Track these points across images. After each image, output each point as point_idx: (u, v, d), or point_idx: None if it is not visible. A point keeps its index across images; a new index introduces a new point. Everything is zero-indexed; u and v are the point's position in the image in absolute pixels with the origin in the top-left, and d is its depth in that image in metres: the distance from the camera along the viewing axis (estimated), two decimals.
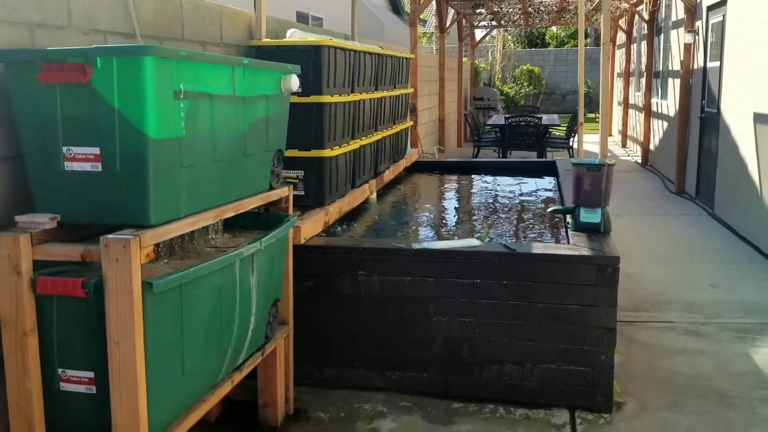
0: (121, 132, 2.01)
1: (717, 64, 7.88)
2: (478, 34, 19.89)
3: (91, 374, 2.09)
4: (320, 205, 3.99)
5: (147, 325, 2.01)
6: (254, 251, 2.54)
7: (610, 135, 18.81)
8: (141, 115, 2.00)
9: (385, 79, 5.39)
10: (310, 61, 3.85)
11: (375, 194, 5.34)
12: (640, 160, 12.91)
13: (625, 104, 15.98)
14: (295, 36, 4.18)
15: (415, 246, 3.40)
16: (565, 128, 13.24)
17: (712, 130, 8.08)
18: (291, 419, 3.28)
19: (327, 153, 3.96)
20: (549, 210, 3.98)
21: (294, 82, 3.00)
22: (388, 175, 5.67)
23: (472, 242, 3.44)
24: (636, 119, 14.56)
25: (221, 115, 2.40)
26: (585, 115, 23.77)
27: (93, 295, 1.99)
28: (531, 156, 12.70)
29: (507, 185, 6.26)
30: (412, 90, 6.74)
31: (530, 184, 6.31)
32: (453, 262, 3.36)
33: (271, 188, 2.95)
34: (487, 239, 3.71)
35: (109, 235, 1.96)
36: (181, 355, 2.20)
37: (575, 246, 3.37)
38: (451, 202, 5.60)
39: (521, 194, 5.76)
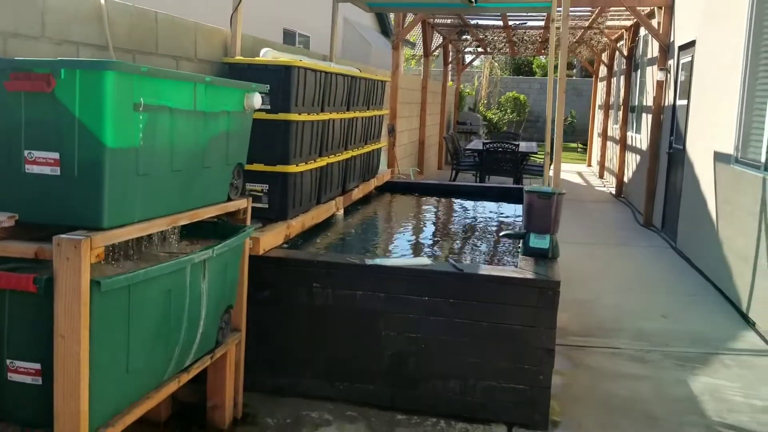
0: (80, 139, 2.15)
1: (685, 102, 8.16)
2: (467, 58, 20.23)
3: (37, 366, 2.21)
4: (283, 219, 4.13)
5: (93, 322, 2.14)
6: (206, 258, 2.68)
7: (589, 165, 19.17)
8: (99, 125, 2.14)
9: (358, 100, 5.57)
10: (279, 79, 4.01)
11: (342, 211, 5.49)
12: (614, 192, 13.19)
13: (604, 136, 16.32)
14: (268, 55, 4.34)
15: (368, 262, 3.55)
16: (542, 156, 13.50)
17: (678, 166, 8.34)
18: (239, 423, 3.40)
19: (292, 168, 4.11)
20: (502, 234, 4.15)
21: (257, 100, 3.15)
22: (357, 193, 5.83)
23: (423, 261, 3.59)
24: (613, 151, 14.88)
25: (181, 128, 2.55)
26: (565, 144, 24.11)
27: (43, 290, 2.12)
28: (508, 182, 12.96)
29: (473, 209, 6.44)
30: (387, 111, 6.93)
31: (495, 208, 6.49)
32: (403, 279, 3.51)
33: (230, 200, 3.09)
34: (438, 259, 3.86)
35: (62, 235, 2.09)
36: (126, 353, 2.32)
37: (521, 269, 3.54)
38: (415, 223, 5.76)
39: (484, 218, 5.94)
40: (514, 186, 8.00)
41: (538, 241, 3.84)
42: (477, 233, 5.20)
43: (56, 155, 2.17)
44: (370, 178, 6.35)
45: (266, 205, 4.13)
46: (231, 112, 2.97)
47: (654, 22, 10.01)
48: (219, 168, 2.93)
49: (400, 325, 3.53)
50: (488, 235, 5.11)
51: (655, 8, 9.82)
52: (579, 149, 25.03)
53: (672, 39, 9.34)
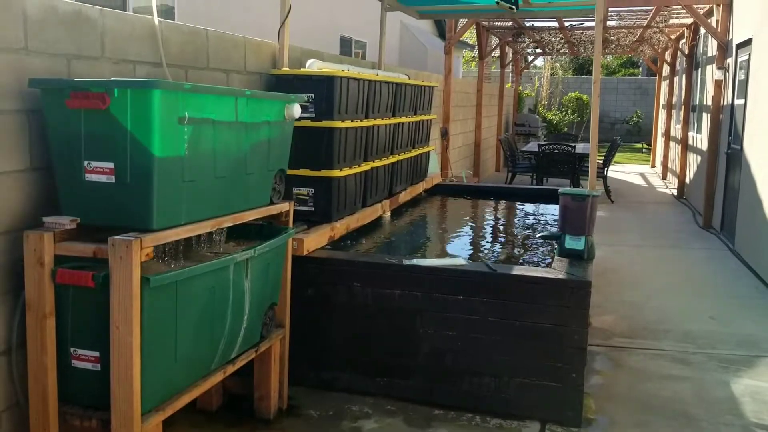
0: (132, 150, 2.40)
1: (742, 101, 7.97)
2: (528, 59, 20.12)
3: (96, 353, 2.47)
4: (327, 221, 4.33)
5: (144, 315, 2.38)
6: (248, 257, 2.90)
7: (653, 166, 18.73)
8: (149, 137, 2.38)
9: (404, 106, 5.73)
10: (323, 89, 4.22)
11: (389, 213, 5.67)
12: (676, 193, 12.91)
13: (667, 136, 15.97)
14: (314, 66, 4.56)
15: (406, 262, 3.71)
16: (602, 157, 13.33)
17: (736, 167, 8.15)
18: (284, 414, 3.61)
19: (335, 173, 4.31)
20: (538, 236, 4.23)
21: (296, 110, 3.36)
22: (405, 196, 5.99)
23: (459, 261, 3.73)
24: (675, 152, 14.54)
25: (223, 138, 2.77)
26: (630, 145, 23.60)
27: (101, 286, 2.37)
28: (565, 183, 12.86)
29: (521, 211, 6.51)
30: (435, 116, 7.07)
31: (541, 210, 6.54)
32: (439, 278, 3.65)
33: (272, 203, 3.31)
34: (475, 259, 3.98)
35: (116, 236, 2.34)
36: (174, 343, 2.55)
37: (553, 269, 3.63)
38: (460, 225, 5.88)
39: (528, 220, 6.00)
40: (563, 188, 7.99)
41: (573, 243, 3.92)
42: (519, 235, 5.28)
43: (111, 165, 2.43)
44: (418, 182, 6.51)
45: (312, 208, 4.35)
46: (272, 122, 3.18)
47: (712, 20, 9.79)
48: (261, 174, 3.15)
49: (437, 323, 3.67)
50: (529, 237, 5.19)
51: (714, 6, 9.61)
52: (644, 150, 24.44)
53: (730, 37, 9.13)
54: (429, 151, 6.84)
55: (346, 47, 13.38)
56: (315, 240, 3.99)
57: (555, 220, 6.03)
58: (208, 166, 2.70)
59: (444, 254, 4.57)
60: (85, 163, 2.46)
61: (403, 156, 5.77)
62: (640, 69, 32.88)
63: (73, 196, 2.52)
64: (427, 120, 6.62)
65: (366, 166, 4.84)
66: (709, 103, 10.08)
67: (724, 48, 9.25)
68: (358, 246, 4.66)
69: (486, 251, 4.71)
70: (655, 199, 12.46)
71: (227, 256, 2.74)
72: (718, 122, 9.36)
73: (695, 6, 9.64)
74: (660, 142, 18.02)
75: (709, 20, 9.87)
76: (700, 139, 11.18)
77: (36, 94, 2.57)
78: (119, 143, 2.40)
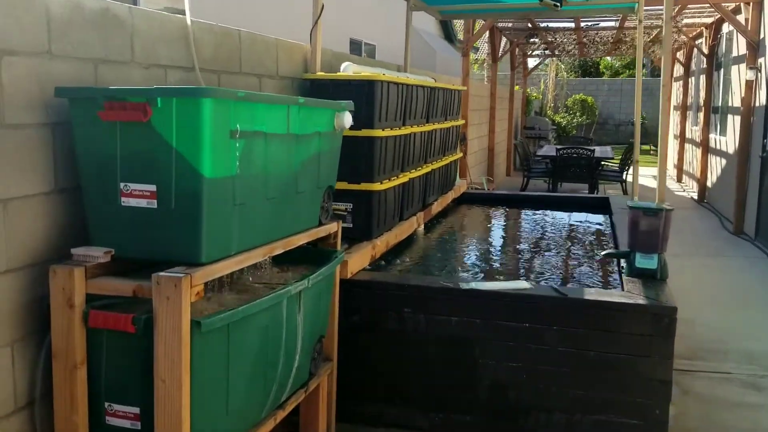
0: (177, 170, 2.03)
1: None
2: (531, 62, 19.77)
3: (137, 410, 2.10)
4: (368, 239, 3.97)
5: (194, 364, 2.01)
6: (302, 289, 2.53)
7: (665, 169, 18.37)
8: (198, 154, 2.01)
9: (437, 112, 5.38)
10: (363, 95, 3.86)
11: (422, 226, 5.31)
12: (696, 197, 12.57)
13: (682, 138, 15.63)
14: (349, 69, 4.20)
15: (463, 286, 3.35)
16: (618, 161, 13.00)
17: None
18: None
19: (376, 186, 3.95)
20: (603, 254, 3.88)
21: (347, 119, 3.00)
22: (436, 207, 5.64)
23: (522, 284, 3.36)
24: (692, 154, 14.21)
25: (275, 154, 2.41)
26: (640, 147, 23.26)
27: (142, 331, 2.01)
28: (582, 188, 12.54)
29: (557, 222, 6.15)
30: (463, 122, 6.72)
31: (582, 221, 6.19)
32: (501, 304, 3.29)
33: (320, 224, 2.94)
34: (537, 282, 3.62)
35: (161, 273, 1.98)
36: (225, 394, 2.19)
37: (630, 293, 3.27)
38: (498, 238, 5.52)
39: (572, 232, 5.65)
40: (598, 196, 7.65)
41: (645, 261, 3.56)
42: (568, 249, 4.92)
43: (153, 187, 2.06)
44: (447, 191, 6.15)
45: (350, 224, 3.99)
46: (322, 133, 2.83)
47: (740, 18, 9.45)
48: (311, 192, 2.79)
49: (499, 354, 3.31)
50: (581, 252, 4.83)
51: (742, 4, 9.27)
52: (652, 152, 24.10)
53: (762, 35, 8.79)
54: (457, 159, 6.48)
55: (356, 50, 13.04)
56: (358, 261, 3.63)
57: (597, 229, 5.67)
58: (259, 185, 2.34)
59: (492, 273, 4.21)
60: (122, 185, 2.09)
61: (435, 165, 5.41)
62: (646, 70, 32.60)
63: (106, 223, 2.15)
64: (457, 126, 6.27)
65: (404, 178, 4.48)
66: (737, 104, 9.74)
67: (755, 47, 8.90)
68: (398, 264, 4.30)
69: (538, 270, 4.35)
70: (676, 204, 12.06)
71: (281, 289, 2.38)
72: (749, 124, 9.01)
73: (723, 4, 9.30)
74: (672, 144, 17.72)
75: (736, 17, 9.52)
76: (725, 141, 10.83)
77: (63, 105, 2.21)
78: (163, 162, 2.03)
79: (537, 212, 6.56)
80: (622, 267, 3.71)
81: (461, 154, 6.74)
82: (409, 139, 4.60)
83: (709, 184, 12.04)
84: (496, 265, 4.53)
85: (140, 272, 2.17)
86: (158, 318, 1.96)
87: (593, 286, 3.90)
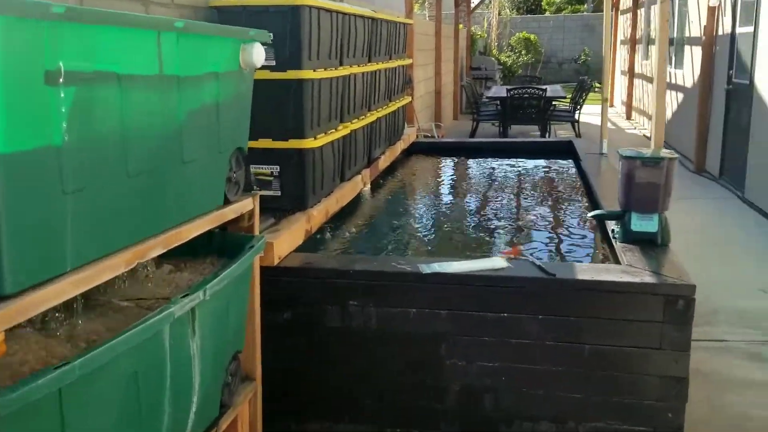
0: None
1: (750, 28, 7.03)
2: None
3: None
4: (302, 209, 3.19)
5: None
6: (196, 304, 1.74)
7: (612, 106, 17.93)
8: None
9: (380, 49, 4.55)
10: (287, 25, 3.01)
11: (369, 186, 4.54)
12: (648, 134, 12.13)
13: (631, 74, 15.14)
14: None
15: (423, 269, 2.60)
16: (568, 100, 12.39)
17: (742, 104, 7.27)
18: None
19: (309, 143, 3.15)
20: (590, 215, 3.21)
21: (258, 54, 2.17)
22: (384, 161, 4.87)
23: (497, 263, 2.64)
24: (643, 90, 13.73)
25: (138, 106, 1.58)
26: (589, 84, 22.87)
27: None
28: (532, 130, 11.94)
29: (521, 172, 5.46)
30: (410, 61, 5.89)
31: (547, 170, 5.51)
32: (472, 289, 2.57)
33: (227, 202, 2.13)
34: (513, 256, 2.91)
35: None
36: None
37: (633, 268, 2.58)
38: (457, 196, 4.79)
39: (540, 184, 4.96)
40: (560, 140, 7.00)
41: (642, 224, 2.88)
42: (539, 206, 4.23)
43: None
44: (396, 142, 5.37)
45: (278, 192, 3.19)
46: (221, 75, 1.99)
47: None
48: (207, 159, 1.97)
49: (471, 352, 2.61)
50: (557, 210, 4.14)
51: None
52: (596, 89, 23.69)
53: None
54: (405, 105, 5.68)
55: None
56: (288, 240, 2.84)
57: (567, 180, 5.00)
58: (111, 157, 1.51)
59: (456, 243, 3.49)
60: None
61: (381, 112, 4.61)
62: (585, 6, 31.95)
63: None
64: (403, 66, 5.45)
65: (344, 130, 3.67)
66: (696, 34, 9.17)
67: None
68: (341, 238, 3.53)
69: (509, 235, 3.65)
70: (629, 143, 11.62)
71: (158, 313, 1.58)
72: (711, 55, 8.45)
73: None
74: (620, 80, 17.24)
75: None
76: (682, 74, 10.31)
77: None
78: None
79: (496, 161, 5.86)
80: (614, 231, 3.03)
81: (409, 99, 5.94)
82: (349, 82, 3.78)
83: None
84: (459, 232, 3.81)
85: None
86: None
87: (581, 259, 3.23)
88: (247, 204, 2.25)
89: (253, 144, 3.07)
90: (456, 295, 2.58)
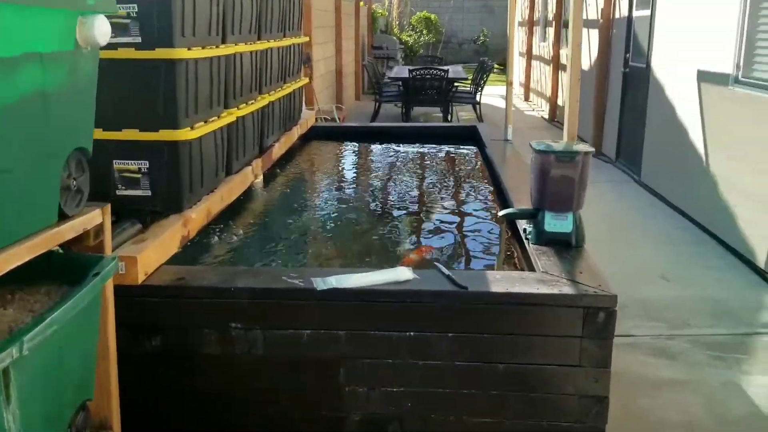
0: None
1: (647, 12, 7.06)
2: None
3: None
4: (177, 211, 2.75)
5: None
6: (9, 364, 1.31)
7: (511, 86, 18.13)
8: None
9: (272, 25, 4.11)
10: None
11: (261, 177, 4.12)
12: (546, 116, 12.26)
13: (528, 55, 15.30)
14: None
15: (318, 284, 2.25)
16: (470, 82, 12.30)
17: (638, 87, 7.33)
18: None
19: (184, 134, 2.71)
20: (501, 214, 2.95)
21: (102, 28, 1.72)
22: (279, 149, 4.45)
23: (401, 274, 2.33)
24: (541, 71, 13.88)
25: None
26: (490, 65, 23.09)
27: None
28: (436, 111, 11.79)
29: (425, 161, 5.19)
30: (306, 39, 5.47)
31: (452, 156, 5.28)
32: (374, 306, 2.25)
33: (64, 218, 1.69)
34: (414, 262, 2.62)
35: None
36: None
37: (549, 276, 2.34)
38: (359, 187, 4.46)
39: (446, 174, 4.71)
40: (464, 125, 6.80)
41: (556, 223, 2.66)
42: (445, 199, 3.96)
43: None
44: (291, 127, 4.96)
45: (148, 192, 2.73)
46: (48, 56, 1.54)
47: None
48: (29, 166, 1.53)
49: (374, 376, 2.29)
50: (464, 204, 3.89)
51: None
52: (496, 70, 23.96)
53: None
54: (302, 86, 5.27)
55: None
56: (158, 251, 2.41)
57: (474, 170, 4.78)
58: None
59: (357, 248, 3.15)
60: None
61: (275, 95, 4.19)
62: None
63: None
64: (299, 44, 5.02)
65: (228, 117, 3.24)
66: (593, 16, 9.22)
67: None
68: (227, 243, 3.12)
69: (417, 237, 3.35)
70: (526, 124, 11.69)
71: None
72: (608, 38, 8.51)
73: None
74: (518, 61, 17.43)
75: None
76: (567, 57, 10.38)
77: None
78: None
79: (399, 147, 5.56)
80: (525, 230, 2.79)
81: (307, 80, 5.53)
82: (234, 62, 3.34)
83: (560, 102, 11.71)
84: (360, 233, 3.47)
85: None
86: None
87: (492, 262, 2.97)
88: (94, 218, 1.81)
89: (117, 136, 2.63)
90: (356, 313, 2.25)
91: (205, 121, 2.94)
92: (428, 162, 5.16)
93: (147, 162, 2.71)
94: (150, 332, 2.27)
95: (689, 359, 3.46)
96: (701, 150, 5.53)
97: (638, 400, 3.09)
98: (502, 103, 14.37)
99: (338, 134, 5.85)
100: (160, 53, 2.59)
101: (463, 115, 12.57)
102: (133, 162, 2.71)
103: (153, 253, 2.38)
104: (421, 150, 5.45)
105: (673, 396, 3.12)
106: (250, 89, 3.70)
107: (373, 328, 2.25)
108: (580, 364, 2.23)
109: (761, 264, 4.46)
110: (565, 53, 11.38)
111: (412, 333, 2.24)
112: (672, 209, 6.04)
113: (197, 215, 2.83)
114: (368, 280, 2.28)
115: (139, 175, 2.72)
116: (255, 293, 2.25)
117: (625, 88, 7.89)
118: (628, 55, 7.77)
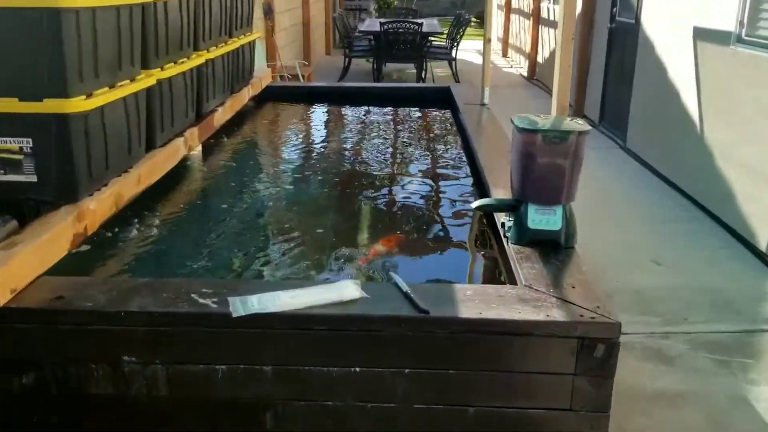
0: None
1: None
2: None
3: None
4: (71, 201, 2.19)
5: None
6: None
7: (489, 42, 17.43)
8: None
9: None
10: None
11: (199, 149, 3.55)
12: (525, 73, 11.69)
13: (507, 8, 14.61)
14: None
15: (237, 308, 1.72)
16: (445, 36, 11.63)
17: (626, 45, 6.78)
18: None
19: (77, 105, 2.14)
20: (474, 206, 2.43)
21: None
22: (223, 114, 3.87)
23: (347, 291, 1.81)
24: (520, 26, 13.25)
25: None
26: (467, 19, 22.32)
27: None
28: (409, 67, 11.17)
29: (393, 128, 4.64)
30: None
31: (422, 123, 4.73)
32: (310, 334, 1.74)
33: None
34: (369, 271, 2.10)
35: None
36: None
37: (533, 292, 1.84)
38: (313, 163, 3.89)
39: (415, 147, 4.16)
40: (436, 86, 6.23)
41: (542, 219, 2.15)
42: (413, 184, 3.42)
43: None
44: (241, 88, 4.36)
45: (33, 178, 2.17)
46: None
47: None
48: None
49: (310, 423, 1.80)
50: (438, 191, 3.36)
51: None
52: (473, 23, 23.17)
53: None
54: (254, 40, 4.64)
55: None
56: (35, 258, 1.86)
57: (446, 141, 4.25)
58: None
59: (313, 247, 2.61)
60: None
61: (215, 52, 3.58)
62: None
63: None
64: None
65: (147, 80, 2.65)
66: None
67: None
68: (137, 241, 2.56)
69: (374, 231, 2.82)
70: (504, 82, 11.13)
71: None
72: None
73: None
74: (497, 15, 16.72)
75: None
76: (559, 11, 9.79)
77: None
78: None
79: (365, 111, 4.99)
80: (504, 225, 2.28)
81: (258, 34, 4.89)
82: (155, 9, 2.73)
83: (540, 59, 11.14)
84: (310, 224, 2.92)
85: None
86: None
87: (464, 269, 2.46)
88: None
89: None
90: (286, 342, 1.74)
91: (110, 87, 2.37)
92: (397, 129, 4.61)
93: (30, 140, 2.14)
94: (16, 369, 1.74)
95: (688, 364, 3.03)
96: (695, 116, 5.04)
97: (633, 418, 2.65)
98: (479, 59, 13.72)
99: (297, 95, 5.25)
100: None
101: (438, 72, 11.95)
102: (12, 140, 2.14)
103: (27, 261, 1.84)
104: (390, 116, 4.89)
105: (673, 413, 2.69)
106: (180, 45, 3.10)
107: (307, 363, 1.74)
108: (571, 408, 1.76)
109: (762, 246, 4.02)
110: (546, 6, 10.76)
111: (357, 369, 1.74)
112: (661, 180, 5.58)
113: (98, 205, 2.28)
114: (303, 300, 1.76)
115: (20, 157, 2.16)
116: (152, 318, 1.73)
117: (610, 46, 7.35)
118: (615, 9, 7.19)
